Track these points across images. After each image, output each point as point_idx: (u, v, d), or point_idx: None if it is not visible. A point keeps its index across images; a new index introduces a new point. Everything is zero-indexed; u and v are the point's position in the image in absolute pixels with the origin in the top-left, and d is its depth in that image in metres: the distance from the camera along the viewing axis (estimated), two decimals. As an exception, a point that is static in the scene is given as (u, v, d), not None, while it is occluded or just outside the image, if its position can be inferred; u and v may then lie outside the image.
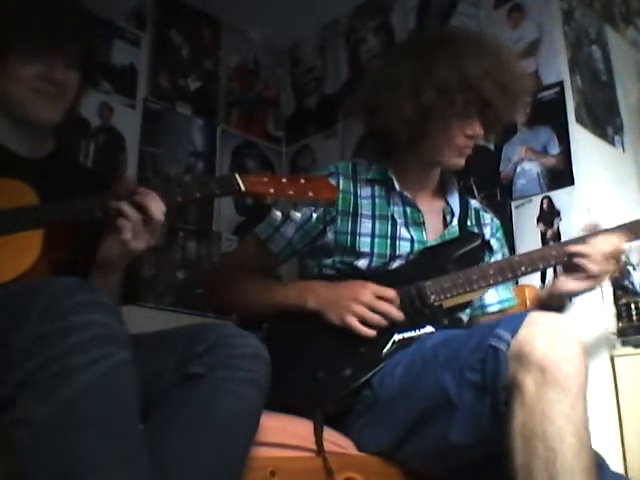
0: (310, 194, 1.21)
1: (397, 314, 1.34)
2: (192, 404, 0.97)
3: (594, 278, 1.37)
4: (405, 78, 1.43)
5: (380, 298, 1.35)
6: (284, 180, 1.21)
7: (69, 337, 0.82)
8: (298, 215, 1.23)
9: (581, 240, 1.40)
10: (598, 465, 1.13)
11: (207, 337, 1.03)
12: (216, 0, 2.73)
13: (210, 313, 2.30)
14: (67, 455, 0.78)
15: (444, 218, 1.57)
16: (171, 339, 1.07)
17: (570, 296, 1.42)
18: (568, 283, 1.39)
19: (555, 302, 1.41)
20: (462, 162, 1.51)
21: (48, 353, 0.81)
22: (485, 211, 1.66)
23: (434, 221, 1.55)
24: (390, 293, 1.36)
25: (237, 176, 1.18)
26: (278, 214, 1.21)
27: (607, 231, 1.42)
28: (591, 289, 1.40)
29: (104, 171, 2.31)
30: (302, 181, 1.22)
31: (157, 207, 1.09)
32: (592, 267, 1.35)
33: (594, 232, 1.41)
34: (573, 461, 0.98)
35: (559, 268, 1.46)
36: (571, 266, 1.38)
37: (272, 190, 1.18)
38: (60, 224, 1.12)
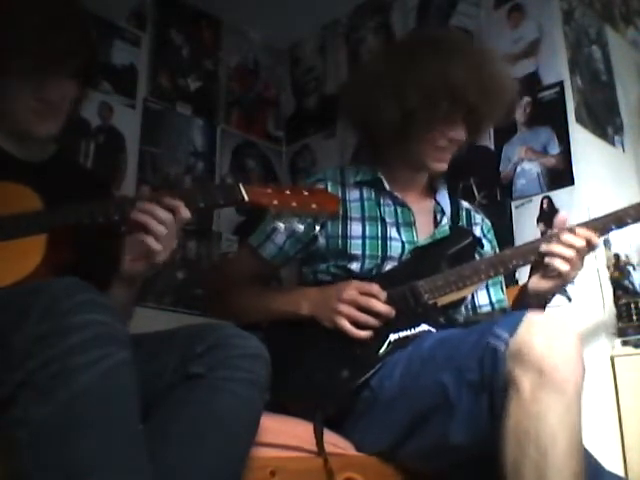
0: (313, 206, 1.21)
1: (383, 307, 1.35)
2: (192, 404, 0.97)
3: (565, 276, 1.34)
4: (390, 79, 1.44)
5: (364, 294, 1.35)
6: (287, 192, 1.20)
7: (69, 337, 0.82)
8: (301, 227, 1.23)
9: (555, 237, 1.37)
10: (595, 469, 1.14)
11: (207, 337, 1.03)
12: (216, 0, 2.73)
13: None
14: (67, 455, 0.78)
15: (435, 217, 1.58)
16: (171, 339, 1.07)
17: (547, 294, 1.40)
18: (540, 283, 1.37)
19: (534, 300, 1.39)
20: (444, 166, 1.52)
21: (48, 353, 0.81)
22: (476, 211, 1.67)
23: (425, 220, 1.56)
24: (373, 287, 1.37)
25: (241, 186, 1.18)
26: (281, 225, 1.21)
27: (575, 227, 1.38)
28: (563, 287, 1.39)
29: (104, 172, 2.31)
30: (305, 193, 1.22)
31: (184, 208, 1.11)
32: (562, 266, 1.32)
33: (564, 229, 1.38)
34: (563, 465, 0.98)
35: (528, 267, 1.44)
36: (541, 264, 1.37)
37: (276, 202, 1.19)
38: (63, 228, 1.12)
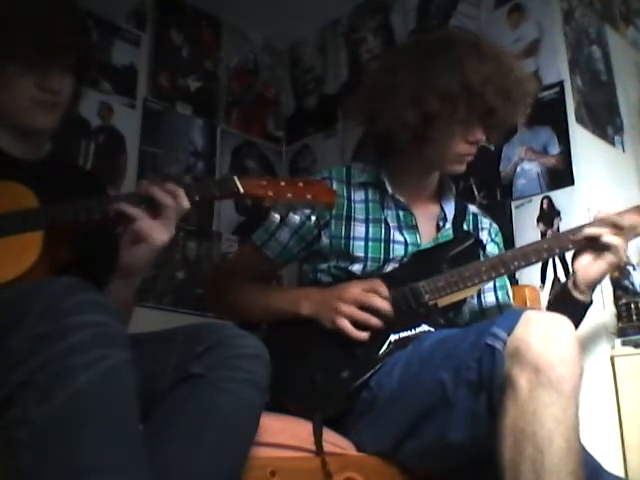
0: (309, 197, 1.22)
1: (386, 305, 1.34)
2: (192, 404, 0.97)
3: (614, 252, 1.34)
4: (406, 85, 1.41)
5: (366, 290, 1.35)
6: (283, 183, 1.21)
7: (69, 337, 0.82)
8: (297, 218, 1.24)
9: (580, 230, 1.39)
10: (594, 470, 1.13)
11: (207, 337, 1.03)
12: (216, 0, 2.73)
13: (210, 313, 2.31)
14: (67, 455, 0.78)
15: (437, 223, 1.57)
16: (171, 339, 1.07)
17: (595, 283, 1.38)
18: (591, 266, 1.36)
19: (583, 294, 1.38)
20: (463, 168, 1.51)
21: (48, 353, 0.81)
22: (484, 216, 1.66)
23: (427, 225, 1.55)
24: (377, 284, 1.36)
25: (236, 179, 1.18)
26: (277, 217, 1.22)
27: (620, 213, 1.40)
28: (615, 266, 1.37)
29: (102, 172, 2.31)
30: (300, 184, 1.23)
31: (184, 196, 1.13)
32: (611, 239, 1.33)
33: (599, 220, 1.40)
34: (560, 463, 0.97)
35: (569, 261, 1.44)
36: (586, 250, 1.37)
37: (271, 193, 1.19)
38: (60, 225, 1.12)
